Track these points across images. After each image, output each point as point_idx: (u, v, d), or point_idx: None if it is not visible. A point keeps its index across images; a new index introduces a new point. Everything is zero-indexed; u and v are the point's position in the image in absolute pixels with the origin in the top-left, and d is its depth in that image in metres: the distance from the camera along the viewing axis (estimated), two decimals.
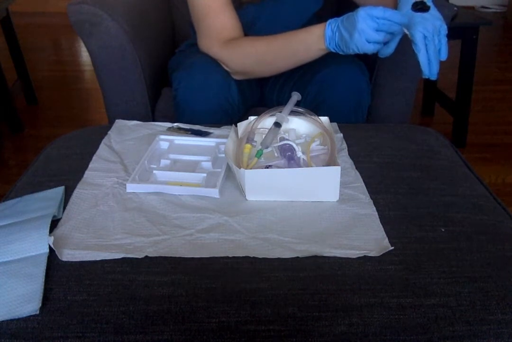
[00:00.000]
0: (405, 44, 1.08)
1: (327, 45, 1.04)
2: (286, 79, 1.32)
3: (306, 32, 1.08)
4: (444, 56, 0.98)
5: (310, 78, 1.21)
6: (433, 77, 0.98)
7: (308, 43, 1.08)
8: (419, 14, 0.98)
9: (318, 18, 1.45)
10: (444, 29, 0.97)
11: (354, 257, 0.69)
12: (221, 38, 1.18)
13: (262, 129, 0.93)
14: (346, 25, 0.99)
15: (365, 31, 0.95)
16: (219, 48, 1.17)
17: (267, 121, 0.94)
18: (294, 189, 0.81)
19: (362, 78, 1.19)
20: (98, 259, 0.68)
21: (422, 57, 0.96)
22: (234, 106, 1.19)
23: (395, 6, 1.13)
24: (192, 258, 0.69)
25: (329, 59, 1.23)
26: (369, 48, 0.98)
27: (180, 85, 1.16)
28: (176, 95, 1.17)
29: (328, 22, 1.04)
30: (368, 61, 1.25)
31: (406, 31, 1.00)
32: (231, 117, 1.18)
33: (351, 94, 1.18)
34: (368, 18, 0.95)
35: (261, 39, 1.15)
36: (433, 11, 0.99)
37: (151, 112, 1.36)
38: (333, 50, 1.05)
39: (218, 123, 1.08)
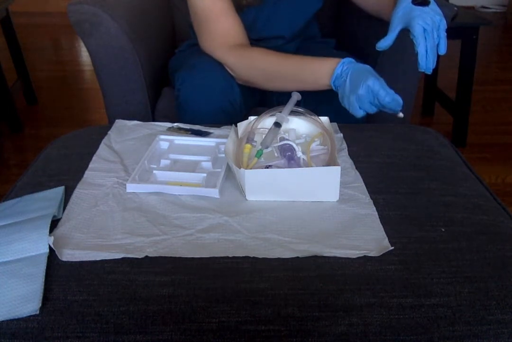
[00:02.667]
0: (405, 44, 1.08)
1: (332, 82, 1.02)
2: None
3: (319, 64, 1.06)
4: (442, 50, 0.98)
5: None
6: (428, 71, 0.98)
7: (317, 76, 1.06)
8: (419, 7, 0.98)
9: (318, 18, 1.45)
10: (443, 24, 0.97)
11: (354, 257, 0.69)
12: (226, 42, 1.17)
13: (262, 129, 0.93)
14: (354, 79, 0.97)
15: (362, 100, 0.95)
16: (224, 53, 1.17)
17: (267, 121, 0.94)
18: (294, 189, 0.81)
19: None
20: (98, 259, 0.68)
21: (421, 50, 0.96)
22: (236, 107, 1.19)
23: (393, 3, 1.12)
24: (192, 258, 0.69)
25: None
26: (358, 113, 0.97)
27: (182, 86, 1.16)
28: (179, 95, 1.17)
29: (342, 61, 1.01)
30: (368, 61, 1.25)
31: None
32: (233, 118, 1.18)
33: None
34: (371, 92, 0.93)
35: (272, 55, 1.13)
36: (433, 6, 0.99)
37: (151, 112, 1.36)
38: (334, 89, 1.03)
39: (220, 124, 1.07)
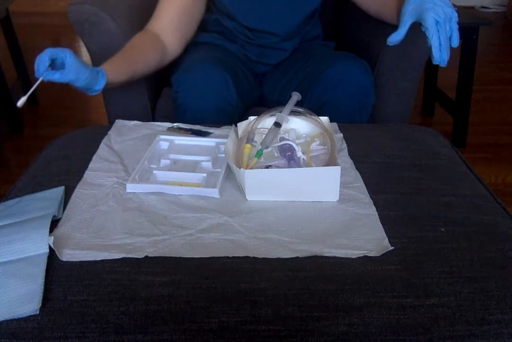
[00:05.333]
0: (406, 44, 1.08)
1: None
2: (289, 79, 1.32)
3: None
4: (455, 42, 0.97)
5: (314, 78, 1.21)
6: (443, 63, 0.97)
7: None
8: (430, 0, 0.98)
9: (321, 19, 1.45)
10: (455, 16, 0.97)
11: (354, 257, 0.69)
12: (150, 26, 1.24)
13: (262, 129, 0.93)
14: None
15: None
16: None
17: (267, 121, 0.94)
18: (294, 189, 0.81)
19: (366, 77, 1.19)
20: (98, 259, 0.68)
21: (434, 42, 0.95)
22: (233, 106, 1.19)
23: (394, 4, 1.12)
24: (192, 258, 0.69)
25: (333, 59, 1.23)
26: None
27: (180, 89, 1.17)
28: (177, 97, 1.18)
29: None
30: (369, 62, 1.25)
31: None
32: (231, 117, 1.18)
33: (356, 94, 1.18)
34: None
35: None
36: None
37: (151, 112, 1.36)
38: None
39: (219, 123, 1.08)
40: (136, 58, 1.17)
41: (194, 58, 1.23)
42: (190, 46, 1.35)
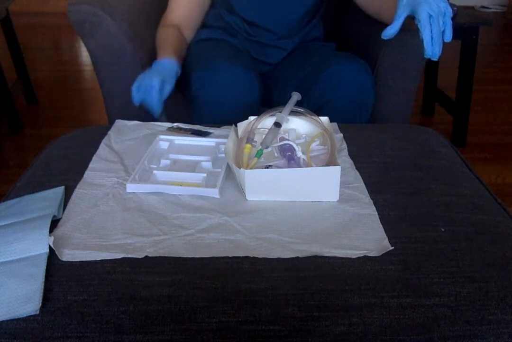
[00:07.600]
0: (406, 44, 1.08)
1: None
2: (290, 79, 1.32)
3: None
4: (448, 37, 0.97)
5: (314, 78, 1.21)
6: (435, 57, 0.97)
7: None
8: None
9: (323, 20, 1.45)
10: (449, 12, 0.97)
11: (354, 257, 0.69)
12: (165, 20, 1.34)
13: (262, 129, 0.93)
14: None
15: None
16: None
17: (267, 121, 0.94)
18: (294, 189, 0.81)
19: (367, 78, 1.19)
20: (98, 259, 0.68)
21: (426, 35, 0.95)
22: (257, 102, 1.19)
23: (394, 5, 1.12)
24: (192, 258, 0.69)
25: (333, 59, 1.23)
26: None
27: (204, 86, 1.16)
28: (197, 96, 1.17)
29: None
30: (368, 62, 1.25)
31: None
32: (254, 114, 1.18)
33: (356, 94, 1.18)
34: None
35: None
36: None
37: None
38: None
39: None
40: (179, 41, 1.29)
41: (213, 56, 1.23)
42: (195, 44, 1.35)
